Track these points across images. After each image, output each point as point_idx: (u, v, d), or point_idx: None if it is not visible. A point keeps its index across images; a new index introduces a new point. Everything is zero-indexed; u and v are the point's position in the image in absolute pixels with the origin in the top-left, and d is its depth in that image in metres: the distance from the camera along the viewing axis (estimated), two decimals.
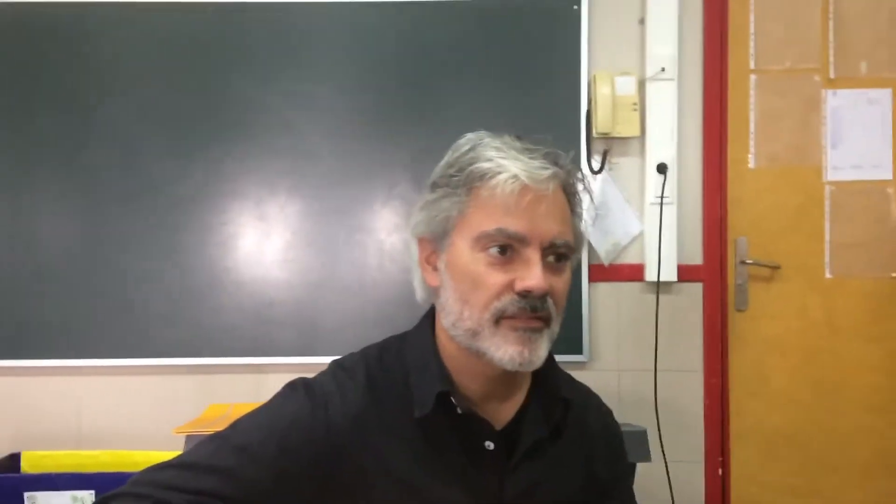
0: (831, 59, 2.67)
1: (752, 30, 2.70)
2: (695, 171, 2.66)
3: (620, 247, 2.64)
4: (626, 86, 2.57)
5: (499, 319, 0.91)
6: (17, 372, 2.58)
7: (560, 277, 0.94)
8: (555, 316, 0.93)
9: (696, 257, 2.67)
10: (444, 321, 0.97)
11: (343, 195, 2.58)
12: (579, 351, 2.59)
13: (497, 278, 0.91)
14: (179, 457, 0.95)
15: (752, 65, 2.69)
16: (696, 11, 2.66)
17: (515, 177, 0.90)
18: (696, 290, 2.68)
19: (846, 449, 2.69)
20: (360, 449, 0.93)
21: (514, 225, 0.90)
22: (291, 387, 0.99)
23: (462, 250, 0.94)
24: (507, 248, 0.91)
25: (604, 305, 2.66)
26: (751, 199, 2.70)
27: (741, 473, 2.71)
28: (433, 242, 0.98)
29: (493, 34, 2.59)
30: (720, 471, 2.69)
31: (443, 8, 2.59)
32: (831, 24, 2.69)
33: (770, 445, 2.71)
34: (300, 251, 2.58)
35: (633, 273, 2.65)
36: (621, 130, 2.56)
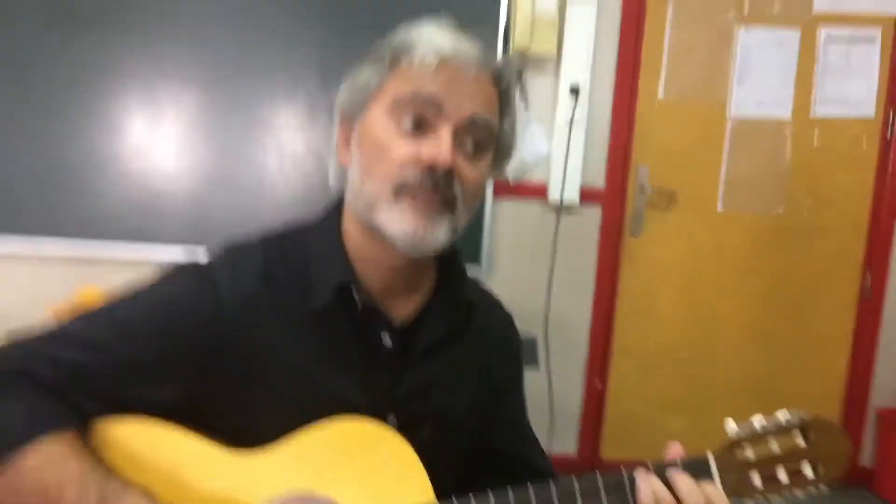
0: None
1: None
2: (606, 97, 2.68)
3: (527, 165, 2.67)
4: (547, 3, 2.54)
5: (399, 193, 0.87)
6: None
7: (474, 165, 0.90)
8: (461, 203, 0.89)
9: (598, 181, 2.73)
10: (348, 198, 0.94)
11: (242, 87, 2.46)
12: (478, 261, 2.65)
13: (404, 149, 0.87)
14: (52, 327, 0.88)
15: None
16: None
17: (438, 49, 0.87)
18: (595, 212, 2.75)
19: (718, 371, 2.88)
20: (250, 335, 0.89)
21: (429, 88, 0.87)
22: (180, 268, 0.93)
23: (375, 120, 0.90)
24: (420, 122, 0.88)
25: (505, 221, 2.70)
26: (656, 129, 2.75)
27: (619, 388, 2.88)
28: (350, 118, 0.94)
29: None
30: (598, 384, 2.84)
31: None
32: None
33: (649, 363, 2.87)
34: (194, 143, 2.46)
35: (537, 192, 2.70)
36: (538, 49, 2.54)
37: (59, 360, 0.84)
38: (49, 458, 0.79)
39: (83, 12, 2.38)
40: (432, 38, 0.89)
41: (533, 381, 2.40)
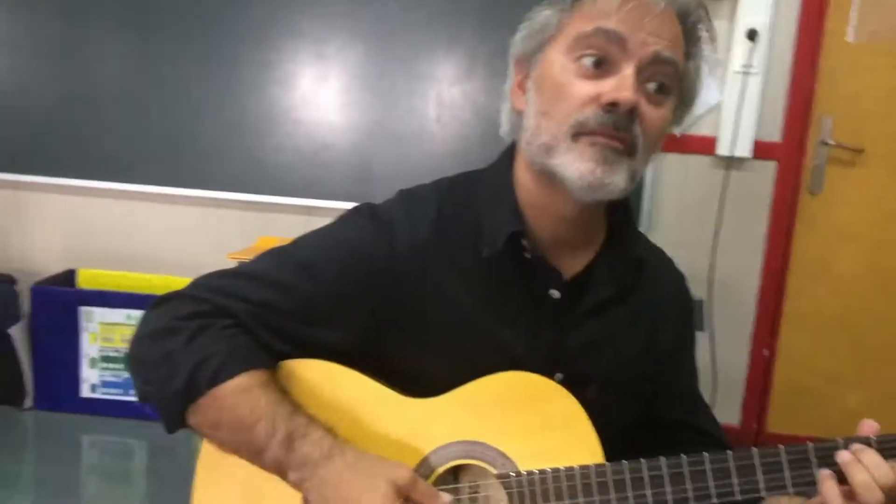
0: None
1: None
2: (787, 41, 2.46)
3: (695, 116, 2.49)
4: None
5: (578, 134, 0.83)
6: (75, 191, 2.63)
7: (656, 108, 0.84)
8: (641, 146, 0.84)
9: (774, 134, 2.52)
10: (522, 144, 0.91)
11: (404, 41, 2.47)
12: (637, 219, 2.51)
13: (584, 89, 0.83)
14: (240, 266, 0.93)
15: None
16: None
17: None
18: (769, 168, 2.55)
19: None
20: (421, 280, 0.90)
21: (613, 23, 0.81)
22: (357, 210, 0.95)
23: (554, 61, 0.86)
24: (602, 61, 0.83)
25: (669, 176, 2.55)
26: (844, 76, 2.50)
27: (789, 357, 2.68)
28: (527, 62, 0.90)
29: None
30: (766, 351, 2.65)
31: None
32: None
33: (823, 332, 2.66)
34: (357, 96, 2.51)
35: (705, 146, 2.52)
36: None
37: (252, 299, 0.88)
38: (244, 392, 0.83)
39: None
40: None
41: (697, 345, 2.26)
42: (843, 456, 0.77)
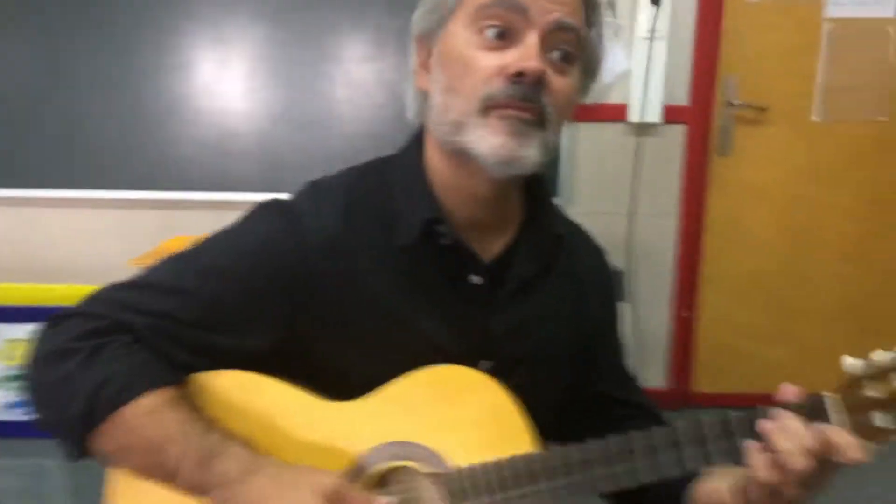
0: None
1: None
2: (689, 4, 2.49)
3: (605, 85, 2.50)
4: None
5: (487, 108, 0.81)
6: None
7: (563, 77, 0.83)
8: (551, 117, 0.82)
9: (682, 98, 2.55)
10: (430, 125, 0.88)
11: (309, 20, 2.39)
12: (555, 192, 2.51)
13: (489, 61, 0.81)
14: (138, 275, 0.87)
15: None
16: None
17: None
18: (679, 132, 2.58)
19: (815, 294, 2.72)
20: (335, 274, 0.86)
21: None
22: (263, 206, 0.91)
23: (456, 35, 0.84)
24: (504, 32, 0.81)
25: (583, 146, 2.56)
26: (745, 36, 2.55)
27: (709, 316, 2.75)
28: (428, 40, 0.88)
29: None
30: (685, 313, 2.71)
31: None
32: None
33: (741, 290, 2.73)
34: (262, 80, 2.42)
35: (616, 113, 2.54)
36: None
37: (151, 310, 0.83)
38: (150, 413, 0.79)
39: None
40: None
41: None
42: (764, 424, 0.76)
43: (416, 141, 0.92)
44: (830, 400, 0.77)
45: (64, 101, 2.39)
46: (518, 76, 0.79)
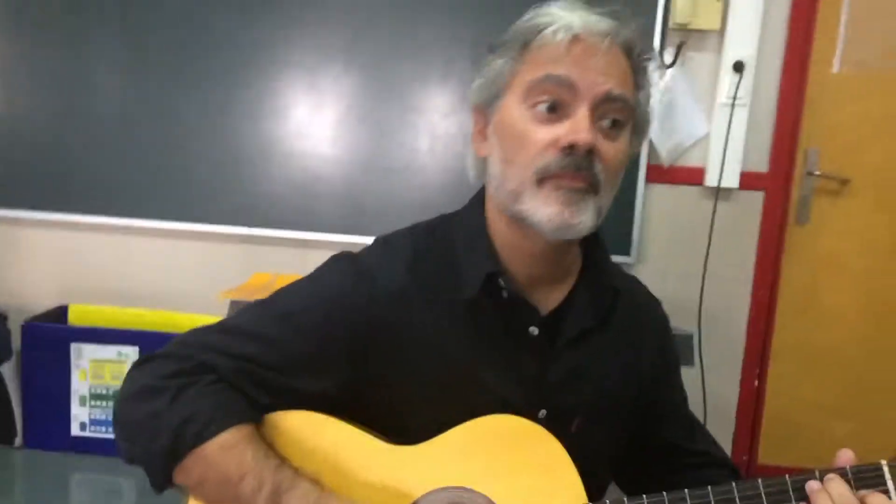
0: None
1: None
2: (773, 72, 2.50)
3: (683, 148, 2.52)
4: None
5: (542, 179, 0.86)
6: (68, 226, 2.62)
7: (613, 143, 0.88)
8: (603, 183, 0.87)
9: (761, 165, 2.55)
10: (490, 191, 0.94)
11: (398, 71, 2.48)
12: (627, 252, 2.53)
13: (542, 134, 0.87)
14: (224, 321, 0.95)
15: None
16: None
17: (568, 26, 0.86)
18: (756, 199, 2.57)
19: (888, 370, 2.64)
20: (402, 326, 0.92)
21: (561, 69, 0.85)
22: (336, 259, 0.97)
23: (511, 109, 0.90)
24: (556, 106, 0.87)
25: (658, 207, 2.57)
26: (829, 107, 2.54)
27: (777, 388, 2.69)
28: (485, 110, 0.94)
29: None
30: (756, 382, 2.66)
31: None
32: None
33: (811, 363, 2.67)
34: (351, 127, 2.52)
35: (693, 176, 2.55)
36: (700, 22, 2.39)
37: (235, 353, 0.89)
38: (230, 448, 0.84)
39: (252, 2, 2.48)
40: (560, 17, 0.87)
41: (686, 379, 2.26)
42: (811, 485, 0.80)
43: (479, 200, 0.98)
44: (887, 467, 0.79)
45: (163, 135, 2.52)
46: (570, 148, 0.85)
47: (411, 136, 2.51)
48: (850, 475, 0.80)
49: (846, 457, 0.83)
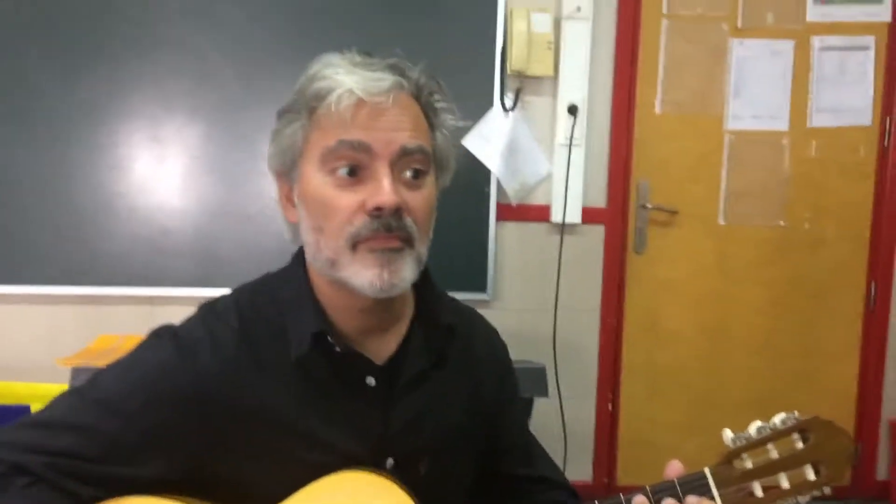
0: (740, 8, 2.71)
1: None
2: (604, 114, 2.69)
3: (529, 187, 2.65)
4: (542, 23, 2.54)
5: (355, 244, 0.86)
6: None
7: (418, 192, 0.89)
8: (417, 235, 0.88)
9: (600, 200, 2.71)
10: (308, 256, 0.93)
11: (247, 120, 2.47)
12: (483, 289, 2.60)
13: (347, 200, 0.86)
14: (36, 414, 0.89)
15: (664, 9, 2.70)
16: None
17: (350, 91, 0.85)
18: (598, 231, 2.73)
19: (725, 387, 2.85)
20: (235, 396, 0.88)
21: (353, 134, 0.85)
22: (156, 335, 0.93)
23: (311, 177, 0.88)
24: (355, 169, 0.86)
25: (509, 245, 2.67)
26: (655, 144, 2.75)
27: (630, 409, 2.84)
28: (286, 176, 0.93)
29: None
30: (610, 406, 2.80)
31: None
32: None
33: (658, 383, 2.84)
34: (199, 178, 2.47)
35: (540, 213, 2.67)
36: (535, 69, 2.54)
37: (51, 449, 0.84)
38: None
39: (86, 49, 2.40)
40: (340, 82, 0.86)
41: (542, 407, 2.36)
42: (637, 500, 0.87)
43: (300, 259, 0.96)
44: (710, 473, 0.86)
45: None
46: (377, 211, 0.85)
47: (264, 184, 2.48)
48: (678, 488, 0.86)
49: (674, 468, 0.89)
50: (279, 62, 2.45)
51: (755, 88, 2.74)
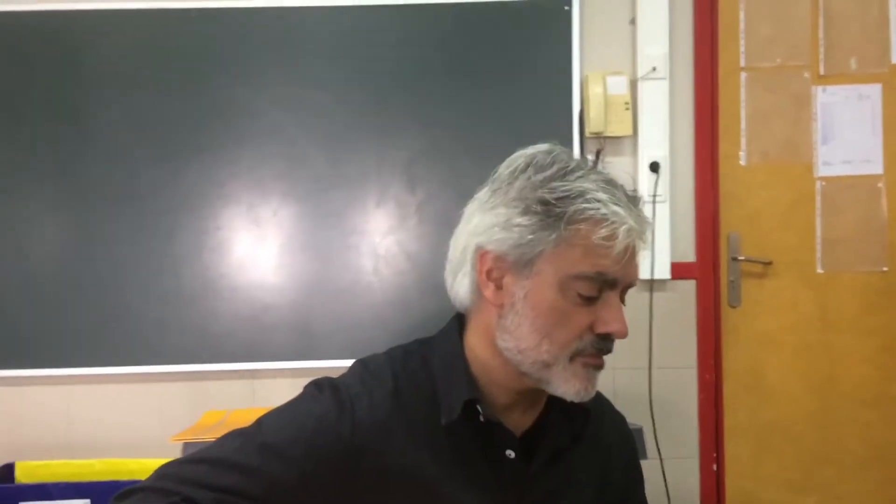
0: (821, 55, 2.69)
1: (742, 27, 2.70)
2: (687, 169, 2.67)
3: None
4: (618, 85, 2.57)
5: (574, 356, 0.92)
6: (9, 382, 2.56)
7: None
8: None
9: (688, 254, 2.68)
10: (504, 343, 0.94)
11: (336, 198, 2.58)
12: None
13: (581, 319, 0.91)
14: (204, 451, 0.95)
15: (742, 62, 2.69)
16: (687, 10, 2.66)
17: (630, 229, 0.89)
18: (689, 287, 2.69)
19: (839, 442, 2.71)
20: (384, 452, 0.93)
21: (613, 272, 0.90)
22: (318, 386, 0.98)
23: (549, 284, 0.91)
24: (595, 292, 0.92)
25: None
26: (742, 196, 2.71)
27: (736, 469, 2.73)
28: (508, 264, 0.94)
29: (486, 35, 2.59)
30: (715, 466, 2.70)
31: (435, 9, 2.59)
32: (821, 20, 2.70)
33: (764, 440, 2.73)
34: (294, 255, 2.58)
35: None
36: (614, 130, 2.57)
37: (216, 485, 0.89)
38: None
39: (187, 143, 2.58)
40: (618, 215, 0.89)
41: (645, 471, 2.30)
42: None
43: (457, 325, 1.01)
44: None
45: (106, 283, 2.53)
46: (607, 335, 0.92)
47: (354, 258, 2.57)
48: None
49: None
50: (362, 138, 2.56)
51: (844, 133, 2.69)
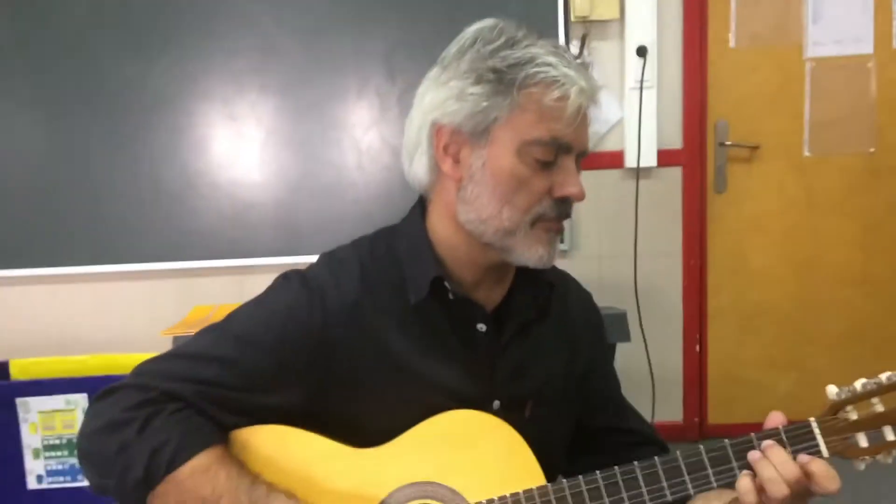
0: None
1: None
2: (675, 54, 2.61)
3: (600, 135, 2.61)
4: None
5: (535, 222, 0.93)
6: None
7: None
8: None
9: (675, 142, 2.65)
10: (466, 215, 0.95)
11: (315, 91, 2.51)
12: (560, 240, 2.59)
13: (540, 184, 0.92)
14: (180, 347, 0.97)
15: None
16: None
17: (581, 90, 0.89)
18: (675, 174, 2.68)
19: (821, 321, 2.78)
20: (357, 336, 0.95)
21: (567, 136, 0.91)
22: (286, 278, 1.00)
23: (506, 151, 0.92)
24: (552, 156, 0.92)
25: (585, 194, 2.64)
26: (731, 81, 2.66)
27: (718, 349, 2.81)
28: (464, 135, 0.94)
29: None
30: (698, 347, 2.77)
31: None
32: None
33: (747, 322, 2.79)
34: (275, 151, 2.54)
35: (613, 160, 2.64)
36: (600, 13, 2.49)
37: (197, 378, 0.92)
38: (203, 472, 0.87)
39: (156, 37, 2.49)
40: (569, 77, 0.89)
41: (629, 353, 2.37)
42: (752, 455, 0.86)
43: (418, 211, 1.02)
44: (816, 425, 0.86)
45: (86, 183, 2.52)
46: (565, 199, 0.93)
47: (337, 153, 2.54)
48: (783, 436, 0.86)
49: (776, 419, 0.89)
50: (338, 29, 2.48)
51: (834, 12, 2.61)
